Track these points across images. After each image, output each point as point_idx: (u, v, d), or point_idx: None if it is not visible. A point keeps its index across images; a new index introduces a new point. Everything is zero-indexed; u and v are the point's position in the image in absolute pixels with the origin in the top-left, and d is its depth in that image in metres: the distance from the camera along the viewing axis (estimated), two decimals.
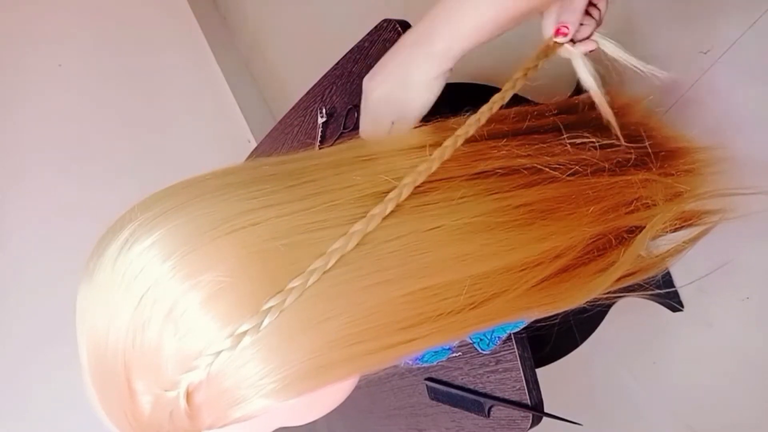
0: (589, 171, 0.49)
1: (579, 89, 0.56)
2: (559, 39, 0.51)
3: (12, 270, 1.49)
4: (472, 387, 0.68)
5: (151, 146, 1.80)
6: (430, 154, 0.41)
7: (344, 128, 0.83)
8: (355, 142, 0.45)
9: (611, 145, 0.52)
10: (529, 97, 0.73)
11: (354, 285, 0.35)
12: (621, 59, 0.54)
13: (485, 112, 0.45)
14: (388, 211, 0.37)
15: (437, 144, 0.46)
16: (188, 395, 0.33)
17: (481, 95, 0.90)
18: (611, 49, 0.54)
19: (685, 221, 0.60)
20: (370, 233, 0.36)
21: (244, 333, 0.32)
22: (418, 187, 0.40)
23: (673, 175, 0.56)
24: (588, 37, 0.52)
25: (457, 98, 0.70)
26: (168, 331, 0.32)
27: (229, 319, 0.32)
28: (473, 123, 0.44)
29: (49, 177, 1.62)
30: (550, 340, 0.63)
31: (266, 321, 0.32)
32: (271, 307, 0.33)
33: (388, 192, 0.39)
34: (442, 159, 0.41)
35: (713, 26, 0.94)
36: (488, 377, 0.66)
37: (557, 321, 0.51)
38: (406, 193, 0.39)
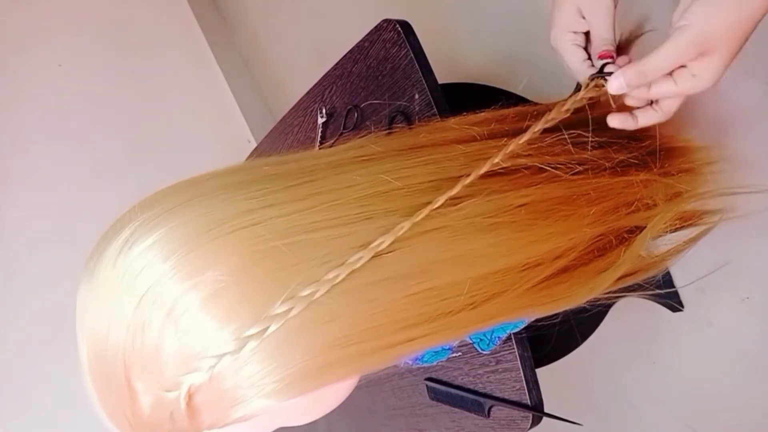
0: (590, 171, 0.49)
1: (579, 89, 0.56)
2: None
3: (12, 270, 1.49)
4: (472, 387, 0.68)
5: (151, 146, 1.80)
6: (467, 175, 0.41)
7: (344, 128, 0.83)
8: (355, 142, 0.45)
9: (612, 145, 0.52)
10: (529, 97, 0.73)
11: (357, 287, 0.35)
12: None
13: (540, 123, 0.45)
14: (406, 227, 0.37)
15: (437, 144, 0.46)
16: (189, 396, 0.33)
17: (481, 95, 0.91)
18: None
19: (685, 221, 0.60)
20: None
21: (250, 337, 0.32)
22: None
23: (673, 175, 0.56)
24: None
25: (457, 98, 0.70)
26: (168, 330, 0.32)
27: (230, 319, 0.32)
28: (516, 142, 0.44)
29: (48, 177, 1.62)
30: (551, 339, 0.63)
31: (272, 327, 0.32)
32: (278, 314, 0.33)
33: (388, 192, 0.39)
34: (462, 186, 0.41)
35: None
36: (488, 377, 0.66)
37: (557, 321, 0.51)
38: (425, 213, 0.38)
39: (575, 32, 0.49)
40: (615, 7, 0.47)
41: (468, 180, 0.41)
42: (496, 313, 0.41)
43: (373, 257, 0.36)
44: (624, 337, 1.16)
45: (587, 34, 0.50)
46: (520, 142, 0.44)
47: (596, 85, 0.47)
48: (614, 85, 0.44)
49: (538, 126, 0.45)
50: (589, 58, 0.49)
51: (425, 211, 0.38)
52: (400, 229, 0.37)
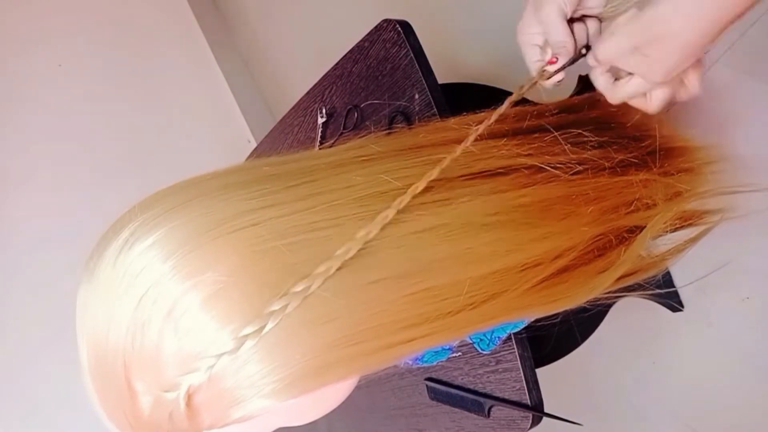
0: (589, 170, 0.49)
1: (579, 89, 0.56)
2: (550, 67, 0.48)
3: (12, 270, 1.49)
4: (472, 387, 0.68)
5: (151, 146, 1.80)
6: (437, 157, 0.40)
7: (344, 128, 0.83)
8: (355, 142, 0.45)
9: (611, 144, 0.52)
10: (529, 97, 0.73)
11: (355, 287, 0.35)
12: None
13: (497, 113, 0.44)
14: (390, 216, 0.37)
15: (437, 144, 0.46)
16: (188, 396, 0.33)
17: (481, 95, 0.91)
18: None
19: (685, 221, 0.60)
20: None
21: (246, 336, 0.32)
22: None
23: (673, 174, 0.56)
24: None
25: (457, 98, 0.70)
26: (168, 331, 0.32)
27: (229, 319, 0.32)
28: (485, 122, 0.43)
29: (48, 177, 1.62)
30: (551, 339, 0.63)
31: (269, 325, 0.32)
32: (274, 311, 0.32)
33: (388, 192, 0.39)
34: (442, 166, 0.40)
35: None
36: (488, 377, 0.66)
37: (557, 321, 0.51)
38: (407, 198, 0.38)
39: (531, 33, 0.48)
40: (569, 13, 0.46)
41: (434, 172, 0.40)
42: (495, 313, 0.41)
43: (372, 255, 0.36)
44: (624, 337, 1.16)
45: None
46: (479, 132, 0.43)
47: (542, 73, 0.48)
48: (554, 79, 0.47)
49: (492, 118, 0.44)
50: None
51: (407, 198, 0.38)
52: (385, 217, 0.37)
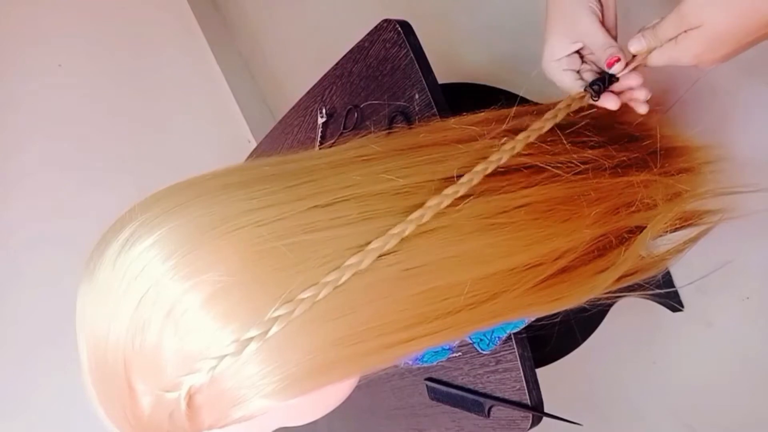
0: (590, 170, 0.49)
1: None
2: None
3: (12, 270, 1.49)
4: (472, 387, 0.68)
5: (150, 146, 1.80)
6: (457, 178, 0.41)
7: (344, 128, 0.83)
8: (355, 142, 0.45)
9: (612, 144, 0.52)
10: (529, 97, 0.73)
11: (358, 289, 0.35)
12: None
13: (535, 130, 0.46)
14: (408, 231, 0.37)
15: (437, 143, 0.46)
16: (189, 397, 0.33)
17: (481, 95, 0.91)
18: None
19: (685, 221, 0.60)
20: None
21: (250, 340, 0.32)
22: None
23: (673, 174, 0.56)
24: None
25: (457, 98, 0.70)
26: (168, 331, 0.32)
27: (230, 319, 0.32)
28: (521, 139, 0.44)
29: (48, 177, 1.62)
30: (551, 339, 0.63)
31: (273, 329, 0.32)
32: (279, 316, 0.32)
33: (388, 191, 0.39)
34: (470, 185, 0.41)
35: None
36: (488, 377, 0.66)
37: (557, 321, 0.51)
38: (429, 215, 0.38)
39: (560, 59, 0.51)
40: (600, 13, 0.48)
41: (474, 179, 0.41)
42: (496, 313, 0.41)
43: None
44: (624, 337, 1.16)
45: (579, 51, 0.52)
46: (519, 139, 0.44)
47: (581, 97, 0.50)
48: (635, 47, 0.48)
49: (537, 127, 0.45)
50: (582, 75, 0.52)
51: (429, 213, 0.38)
52: (403, 231, 0.37)
